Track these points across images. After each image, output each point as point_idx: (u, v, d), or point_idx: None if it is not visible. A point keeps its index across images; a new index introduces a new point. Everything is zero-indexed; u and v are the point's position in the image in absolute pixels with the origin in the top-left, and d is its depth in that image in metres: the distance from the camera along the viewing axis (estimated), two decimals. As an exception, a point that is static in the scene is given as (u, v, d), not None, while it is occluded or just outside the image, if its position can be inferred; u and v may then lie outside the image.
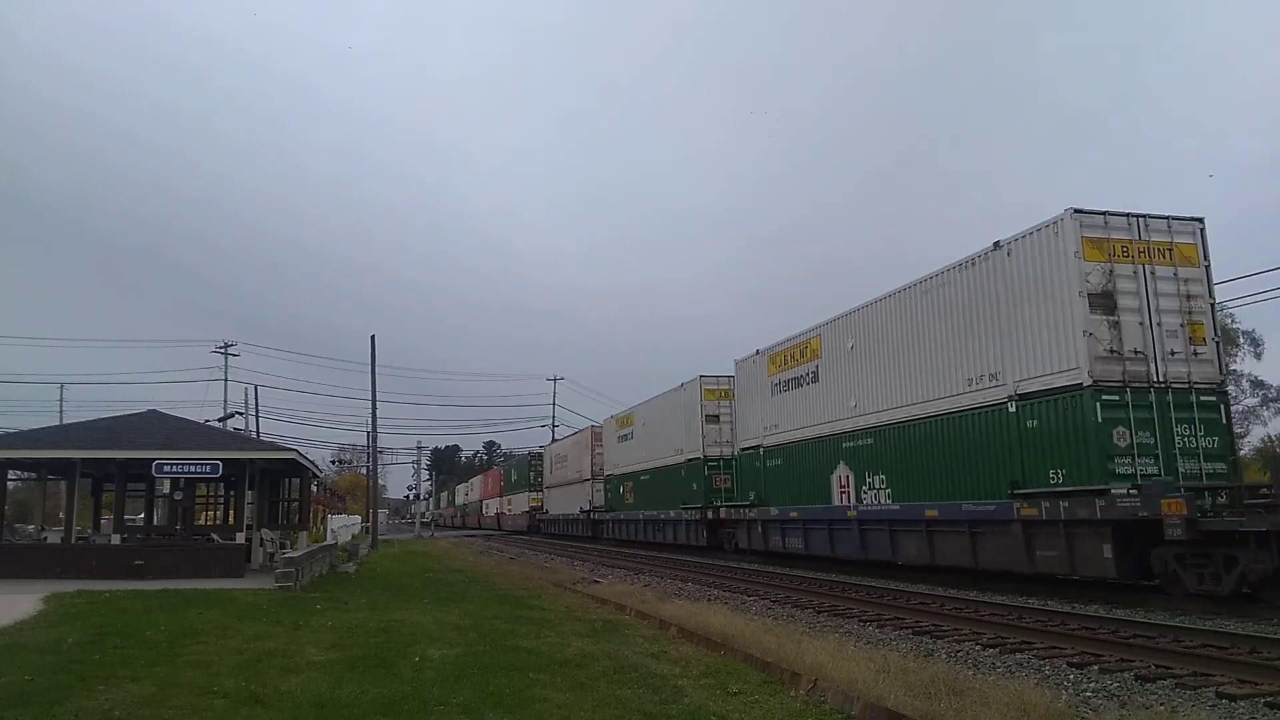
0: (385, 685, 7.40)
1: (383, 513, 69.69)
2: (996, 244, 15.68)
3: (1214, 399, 14.08)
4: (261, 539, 22.47)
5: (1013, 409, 15.10)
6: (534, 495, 57.60)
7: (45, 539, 21.96)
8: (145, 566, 17.91)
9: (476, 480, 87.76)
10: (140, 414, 22.43)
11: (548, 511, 53.91)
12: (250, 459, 20.63)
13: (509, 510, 65.35)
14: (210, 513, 30.29)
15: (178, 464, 18.88)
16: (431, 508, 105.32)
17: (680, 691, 7.28)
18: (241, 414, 52.13)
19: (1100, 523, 13.15)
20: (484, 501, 77.51)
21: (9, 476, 21.48)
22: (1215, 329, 14.55)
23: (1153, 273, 14.25)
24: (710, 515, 28.35)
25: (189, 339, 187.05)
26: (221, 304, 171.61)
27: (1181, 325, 14.19)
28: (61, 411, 60.98)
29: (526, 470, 60.31)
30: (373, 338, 38.51)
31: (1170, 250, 14.46)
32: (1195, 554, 12.30)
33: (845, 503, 20.31)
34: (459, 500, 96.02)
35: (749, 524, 25.53)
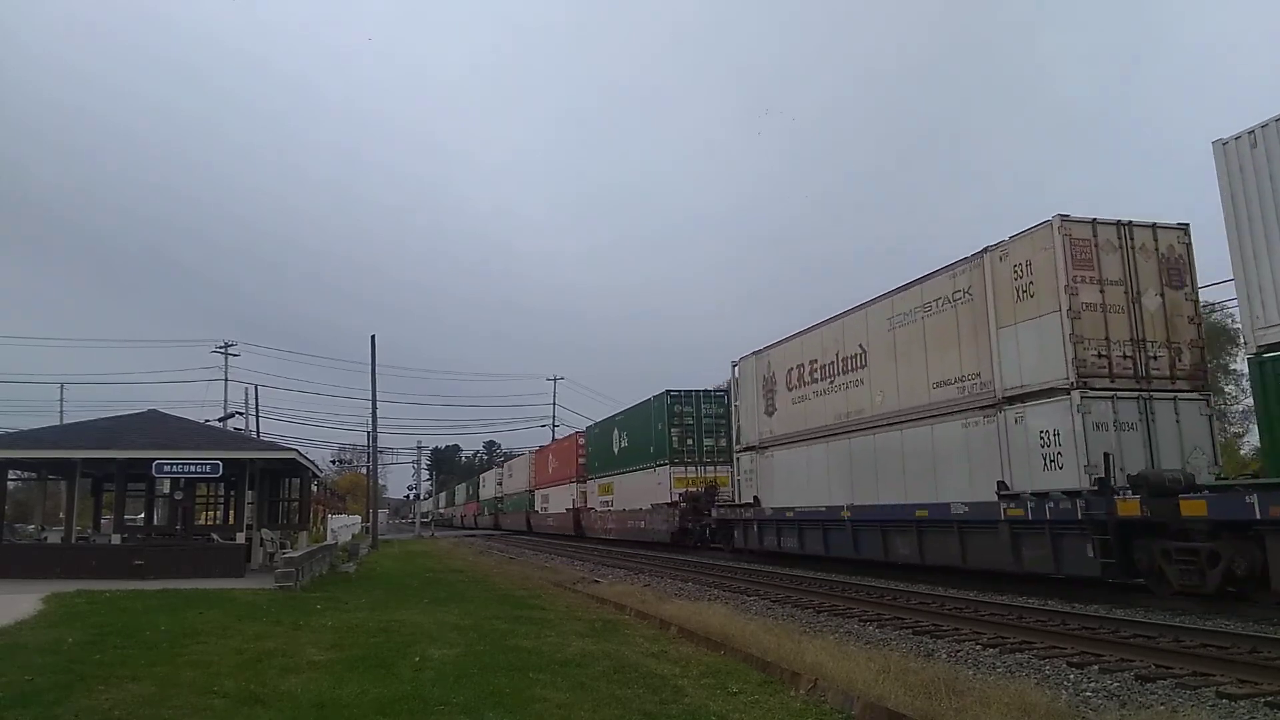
0: (385, 685, 7.40)
1: (383, 513, 69.39)
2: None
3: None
4: (261, 539, 22.47)
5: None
6: (686, 473, 31.20)
7: (45, 539, 21.97)
8: (145, 566, 17.91)
9: (520, 462, 61.93)
10: (140, 414, 22.46)
11: (760, 503, 23.93)
12: (250, 459, 20.65)
13: (609, 505, 38.52)
14: (210, 513, 30.26)
15: (178, 464, 18.90)
16: (434, 506, 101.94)
17: (680, 691, 7.27)
18: (241, 414, 52.20)
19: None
20: (539, 493, 53.41)
21: (9, 476, 21.48)
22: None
23: None
24: None
25: (189, 339, 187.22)
26: (221, 304, 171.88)
27: None
28: (62, 411, 61.05)
29: (663, 422, 31.91)
30: (373, 338, 38.57)
31: None
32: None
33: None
34: (487, 492, 73.13)
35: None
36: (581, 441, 44.90)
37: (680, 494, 30.96)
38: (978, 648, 9.84)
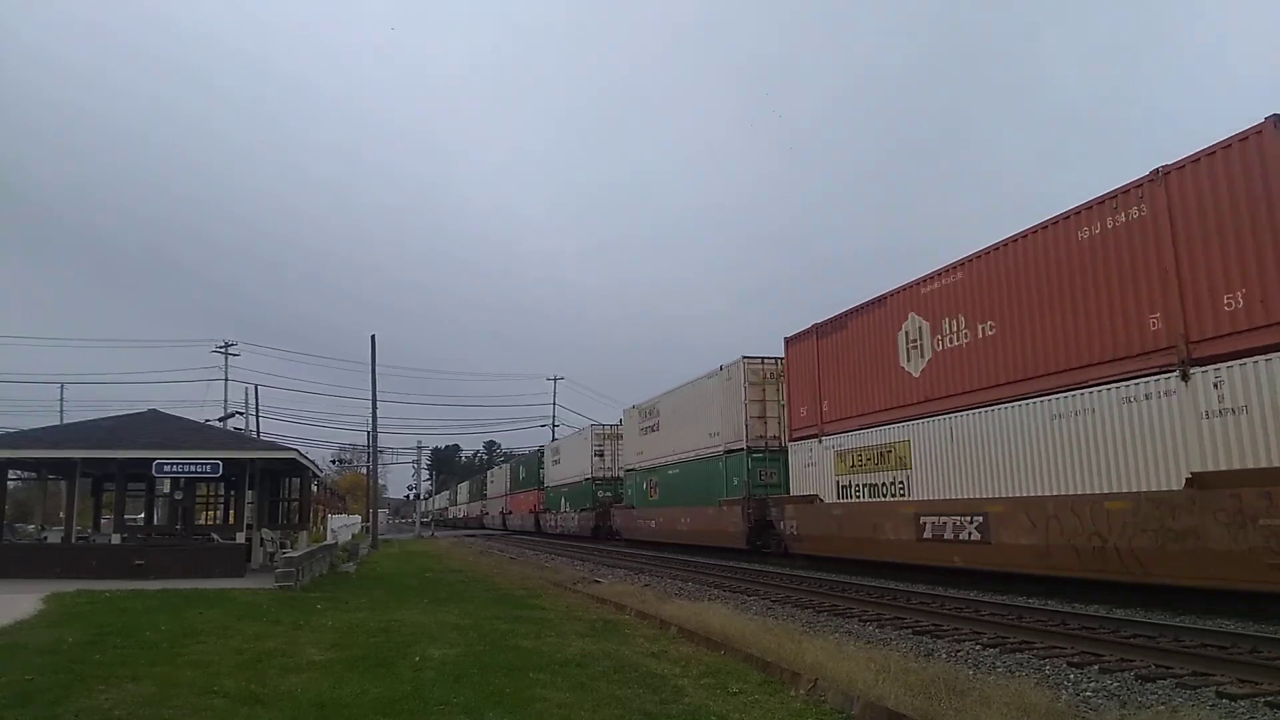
0: (385, 685, 7.40)
1: (383, 512, 69.35)
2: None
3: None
4: (262, 539, 22.46)
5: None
6: None
7: (45, 539, 21.95)
8: (145, 566, 17.92)
9: (707, 389, 27.88)
10: (140, 414, 22.45)
11: None
12: (250, 459, 20.63)
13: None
14: (210, 512, 30.28)
15: (178, 464, 18.89)
16: (448, 502, 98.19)
17: (680, 691, 7.27)
18: (241, 414, 52.24)
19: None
20: (826, 438, 20.37)
21: (9, 476, 21.47)
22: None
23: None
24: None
25: (189, 339, 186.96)
26: (221, 304, 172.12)
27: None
28: (62, 411, 61.22)
29: None
30: (373, 337, 38.56)
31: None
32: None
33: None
34: (569, 470, 43.26)
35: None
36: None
37: None
38: (978, 648, 9.84)
